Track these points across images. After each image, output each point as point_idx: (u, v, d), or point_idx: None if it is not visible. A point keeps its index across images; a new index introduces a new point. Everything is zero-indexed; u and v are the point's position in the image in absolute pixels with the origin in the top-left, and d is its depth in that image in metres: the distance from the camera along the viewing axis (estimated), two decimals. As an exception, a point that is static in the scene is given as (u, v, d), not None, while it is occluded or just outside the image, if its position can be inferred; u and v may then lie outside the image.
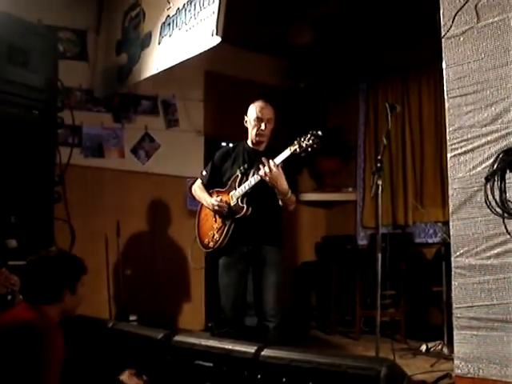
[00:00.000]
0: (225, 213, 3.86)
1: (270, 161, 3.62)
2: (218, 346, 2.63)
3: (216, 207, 3.89)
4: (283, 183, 3.66)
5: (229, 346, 2.59)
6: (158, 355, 2.83)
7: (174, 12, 4.50)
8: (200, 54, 4.20)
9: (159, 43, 4.70)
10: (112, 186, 5.62)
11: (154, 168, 5.90)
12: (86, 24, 5.55)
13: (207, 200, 4.01)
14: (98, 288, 5.32)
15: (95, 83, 5.56)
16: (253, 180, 3.77)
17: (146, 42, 4.88)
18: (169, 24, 4.57)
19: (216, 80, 6.46)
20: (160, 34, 4.69)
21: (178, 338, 2.83)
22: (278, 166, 3.62)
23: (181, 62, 4.46)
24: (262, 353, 2.43)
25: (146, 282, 5.62)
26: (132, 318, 5.26)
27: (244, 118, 4.03)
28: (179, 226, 5.96)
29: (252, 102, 4.09)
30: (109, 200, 5.57)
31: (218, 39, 3.90)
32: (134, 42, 5.05)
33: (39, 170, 4.06)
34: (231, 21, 3.94)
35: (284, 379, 2.28)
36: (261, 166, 3.66)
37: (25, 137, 3.97)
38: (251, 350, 2.47)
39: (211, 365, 2.59)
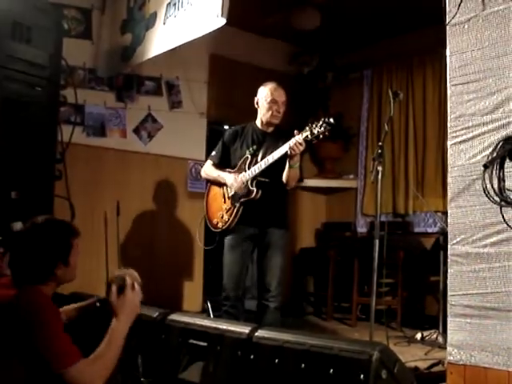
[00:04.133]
0: (242, 191, 3.90)
1: (298, 138, 3.67)
2: (212, 326, 2.64)
3: (235, 186, 3.92)
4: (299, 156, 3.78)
5: (223, 326, 2.61)
6: (152, 334, 2.84)
7: (180, -8, 4.48)
8: (205, 35, 4.19)
9: (164, 24, 4.67)
10: (113, 166, 5.63)
11: (155, 149, 5.91)
12: (91, 2, 5.54)
13: (224, 176, 4.01)
14: (95, 267, 5.32)
15: (99, 62, 5.56)
16: (263, 163, 3.84)
17: (150, 22, 4.85)
18: (174, 4, 4.53)
19: (220, 63, 6.45)
20: (165, 14, 4.66)
21: (172, 316, 2.85)
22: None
23: (185, 43, 4.44)
24: (256, 334, 2.44)
25: (145, 262, 5.61)
26: (129, 297, 5.26)
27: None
28: (179, 208, 5.99)
29: (256, 85, 4.10)
30: (109, 179, 5.59)
31: (223, 21, 3.88)
32: (139, 22, 5.03)
33: (41, 147, 4.06)
34: (236, 3, 3.92)
35: (276, 360, 2.29)
36: (293, 140, 3.69)
37: (27, 113, 3.96)
38: (245, 330, 2.49)
39: (205, 344, 2.61)
